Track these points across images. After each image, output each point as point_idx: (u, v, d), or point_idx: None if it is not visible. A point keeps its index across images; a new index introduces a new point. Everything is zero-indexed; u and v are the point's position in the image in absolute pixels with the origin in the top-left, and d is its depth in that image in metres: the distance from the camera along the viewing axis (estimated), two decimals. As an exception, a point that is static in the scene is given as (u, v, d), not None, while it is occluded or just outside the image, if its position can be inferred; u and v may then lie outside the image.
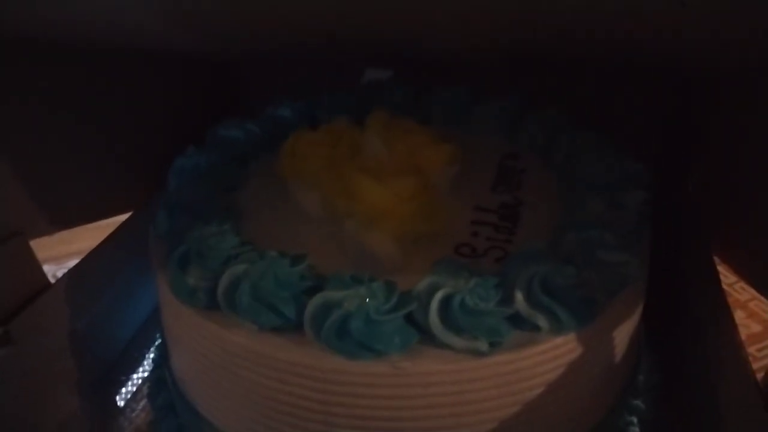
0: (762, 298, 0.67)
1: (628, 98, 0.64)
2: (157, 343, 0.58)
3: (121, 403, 0.55)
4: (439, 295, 0.36)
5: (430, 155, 0.48)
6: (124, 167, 0.58)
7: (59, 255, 0.74)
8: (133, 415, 0.54)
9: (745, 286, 0.68)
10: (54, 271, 0.65)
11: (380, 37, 0.56)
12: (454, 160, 0.49)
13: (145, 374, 0.58)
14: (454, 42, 0.55)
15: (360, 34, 0.54)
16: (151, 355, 0.59)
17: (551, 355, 0.37)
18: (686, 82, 0.60)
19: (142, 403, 0.55)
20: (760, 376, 0.42)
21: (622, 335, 0.43)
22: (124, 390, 0.56)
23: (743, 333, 0.55)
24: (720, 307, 0.46)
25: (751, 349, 0.62)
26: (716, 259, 0.50)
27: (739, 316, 0.65)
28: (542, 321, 0.37)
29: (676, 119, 0.63)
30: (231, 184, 0.51)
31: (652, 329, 0.51)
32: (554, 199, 0.48)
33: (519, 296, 0.37)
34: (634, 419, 0.46)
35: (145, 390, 0.56)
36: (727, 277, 0.51)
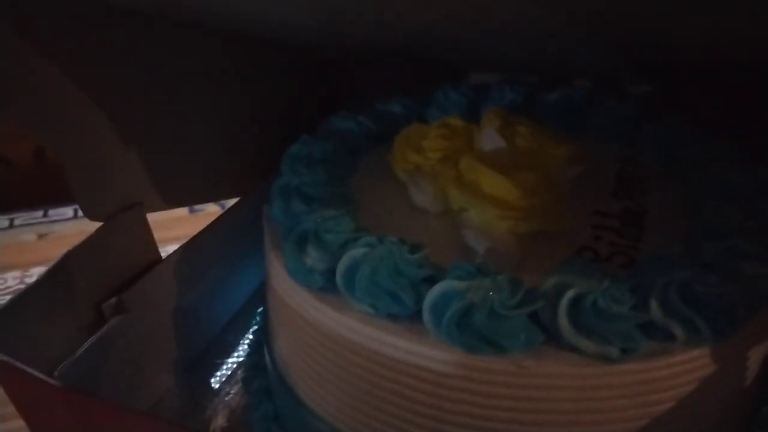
0: None
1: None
2: (253, 328, 0.58)
3: (215, 386, 0.55)
4: (569, 294, 0.34)
5: (551, 152, 0.47)
6: (235, 154, 0.59)
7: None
8: (228, 398, 0.54)
9: None
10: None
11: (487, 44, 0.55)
12: (576, 159, 0.47)
13: (240, 359, 0.58)
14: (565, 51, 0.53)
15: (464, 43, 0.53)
16: (246, 341, 0.59)
17: (685, 368, 0.35)
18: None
19: (236, 387, 0.55)
20: None
21: (757, 356, 0.39)
22: (218, 373, 0.57)
23: None
24: None
25: None
26: None
27: None
28: (678, 330, 0.34)
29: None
30: (343, 173, 0.51)
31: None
32: (683, 207, 0.46)
33: (654, 303, 0.34)
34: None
35: (239, 374, 0.56)
36: None
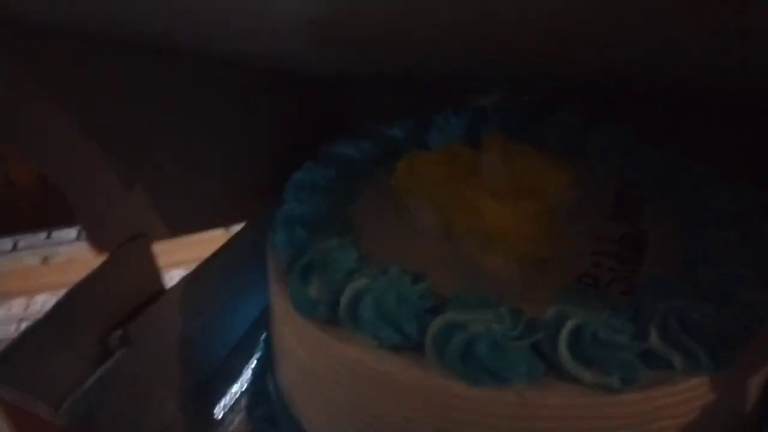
0: None
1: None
2: (257, 356, 0.59)
3: (219, 415, 0.55)
4: (569, 325, 0.35)
5: (550, 178, 0.47)
6: (239, 180, 0.59)
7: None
8: (231, 427, 0.54)
9: None
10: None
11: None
12: (573, 185, 0.47)
13: (243, 387, 0.58)
14: (562, 74, 0.54)
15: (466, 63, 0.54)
16: (250, 369, 0.59)
17: (685, 396, 0.35)
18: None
19: (240, 415, 0.55)
20: None
21: (756, 383, 0.40)
22: (223, 402, 0.57)
23: None
24: None
25: None
26: None
27: None
28: (678, 360, 0.35)
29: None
30: (346, 200, 0.51)
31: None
32: (681, 231, 0.46)
33: (653, 332, 0.35)
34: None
35: (243, 403, 0.56)
36: None
